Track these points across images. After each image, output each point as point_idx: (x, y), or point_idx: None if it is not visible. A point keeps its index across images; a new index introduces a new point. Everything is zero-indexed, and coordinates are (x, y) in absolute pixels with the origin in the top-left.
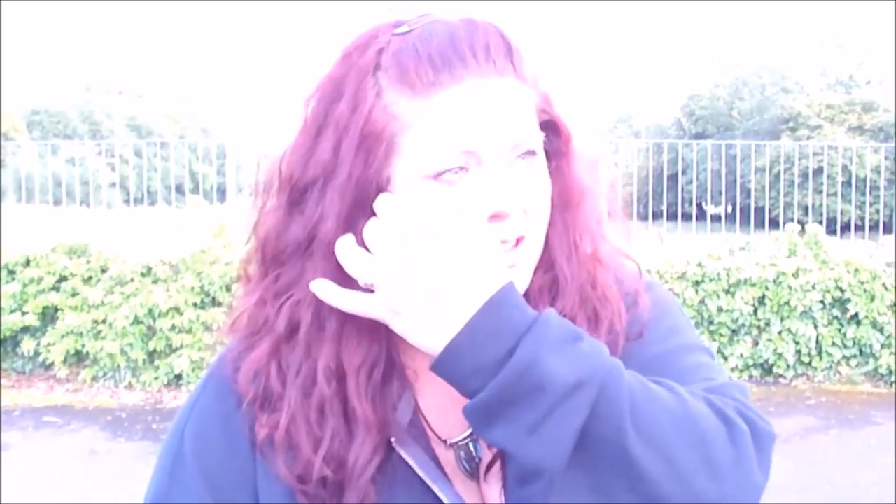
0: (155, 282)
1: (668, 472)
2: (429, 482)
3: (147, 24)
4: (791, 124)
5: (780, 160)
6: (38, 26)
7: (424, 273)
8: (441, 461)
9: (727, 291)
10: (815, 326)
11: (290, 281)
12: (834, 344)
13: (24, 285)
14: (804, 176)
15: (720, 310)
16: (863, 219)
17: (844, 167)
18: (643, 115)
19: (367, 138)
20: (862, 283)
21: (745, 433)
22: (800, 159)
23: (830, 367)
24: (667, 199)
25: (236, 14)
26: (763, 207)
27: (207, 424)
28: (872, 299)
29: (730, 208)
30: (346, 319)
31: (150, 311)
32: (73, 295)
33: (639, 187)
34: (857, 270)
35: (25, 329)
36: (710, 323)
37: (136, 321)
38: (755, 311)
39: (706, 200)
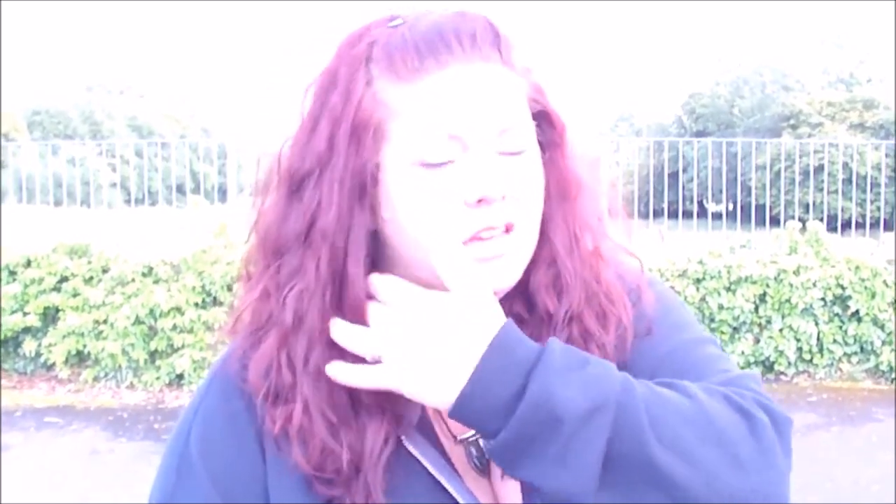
0: (156, 282)
1: (696, 474)
2: (440, 479)
3: (147, 24)
4: (792, 122)
5: (781, 158)
6: (38, 26)
7: (423, 337)
8: (451, 458)
9: (728, 289)
10: (816, 323)
11: (291, 271)
12: (835, 341)
13: (25, 286)
14: (805, 173)
15: (721, 307)
16: (863, 216)
17: (845, 165)
18: (644, 114)
19: (357, 127)
20: (863, 280)
21: (766, 423)
22: (800, 157)
23: (831, 364)
24: (668, 197)
25: (236, 14)
26: (764, 205)
27: (214, 425)
28: (873, 296)
29: (731, 206)
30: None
31: (152, 311)
32: (75, 295)
33: (640, 185)
34: (857, 268)
35: (27, 330)
36: (712, 320)
37: (138, 321)
38: (756, 309)
39: (707, 198)
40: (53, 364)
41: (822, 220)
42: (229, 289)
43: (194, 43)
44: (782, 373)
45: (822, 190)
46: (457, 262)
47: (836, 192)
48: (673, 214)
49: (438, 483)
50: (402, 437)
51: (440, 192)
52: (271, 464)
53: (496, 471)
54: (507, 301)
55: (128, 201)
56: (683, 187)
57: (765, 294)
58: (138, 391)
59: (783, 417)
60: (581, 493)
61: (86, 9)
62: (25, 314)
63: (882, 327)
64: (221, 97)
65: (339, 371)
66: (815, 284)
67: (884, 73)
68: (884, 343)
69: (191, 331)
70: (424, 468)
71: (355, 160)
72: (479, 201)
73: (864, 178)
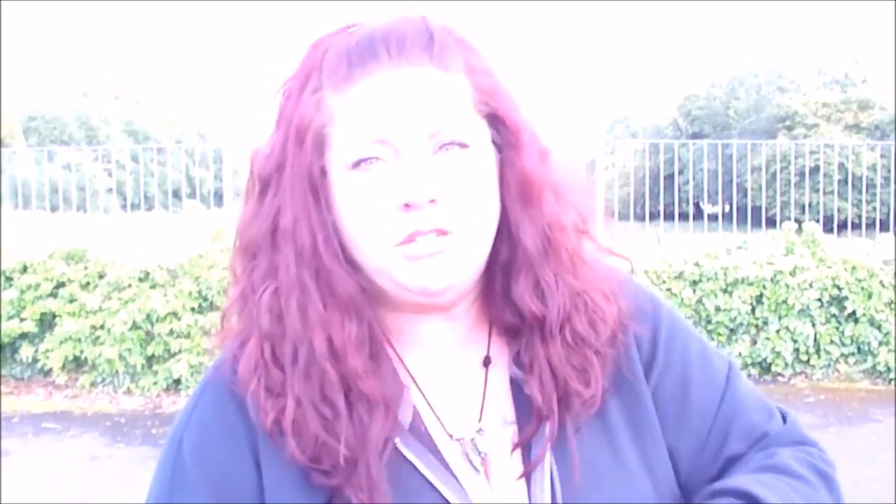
0: (153, 287)
1: None
2: (431, 478)
3: (144, 29)
4: (787, 123)
5: (777, 159)
6: (34, 32)
7: None
8: (445, 457)
9: (725, 290)
10: (813, 324)
11: (264, 272)
12: (832, 342)
13: (22, 292)
14: (801, 174)
15: (718, 309)
16: (860, 217)
17: (841, 165)
18: (640, 116)
19: (302, 132)
20: (859, 280)
21: (836, 482)
22: (796, 158)
23: (829, 364)
24: (664, 199)
25: (234, 18)
26: (760, 206)
27: (207, 432)
28: (870, 297)
29: (727, 208)
30: (327, 302)
31: (149, 317)
32: (71, 301)
33: (636, 187)
34: (854, 268)
35: (24, 335)
36: (708, 322)
37: (135, 326)
38: (753, 310)
39: (703, 200)
40: (50, 370)
41: (818, 220)
42: (226, 293)
43: (190, 48)
44: (779, 374)
45: (818, 191)
46: (387, 261)
47: (832, 192)
48: (669, 216)
49: (430, 482)
50: (397, 442)
51: (372, 196)
52: (266, 461)
53: (494, 468)
54: (497, 312)
55: (124, 206)
56: (679, 189)
57: (761, 295)
58: (136, 396)
59: (833, 467)
60: None
61: (81, 14)
62: (22, 320)
63: (879, 328)
64: (217, 102)
65: None
66: (811, 285)
67: (879, 73)
68: (881, 343)
69: (188, 336)
70: (418, 471)
71: (303, 162)
72: (406, 206)
73: (860, 178)
